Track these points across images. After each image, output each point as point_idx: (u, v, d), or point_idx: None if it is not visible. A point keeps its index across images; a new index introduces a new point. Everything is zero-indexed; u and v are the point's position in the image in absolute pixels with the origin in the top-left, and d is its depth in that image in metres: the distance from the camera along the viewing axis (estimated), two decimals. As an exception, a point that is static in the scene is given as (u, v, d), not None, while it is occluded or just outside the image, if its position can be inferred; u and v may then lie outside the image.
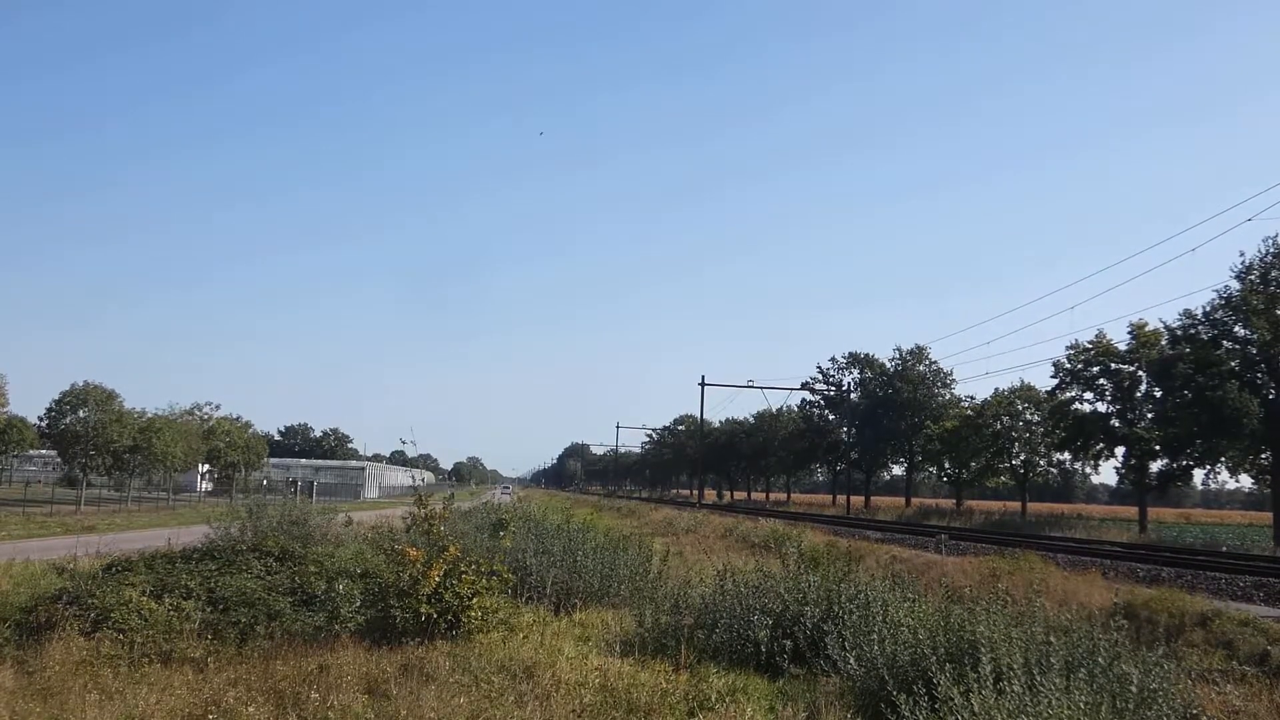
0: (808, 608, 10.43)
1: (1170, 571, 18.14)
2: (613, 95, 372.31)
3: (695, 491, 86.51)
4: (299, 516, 18.35)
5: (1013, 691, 6.47)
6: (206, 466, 67.86)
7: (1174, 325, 40.36)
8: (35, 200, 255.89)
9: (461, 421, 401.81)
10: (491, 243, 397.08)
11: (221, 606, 10.62)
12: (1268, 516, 44.83)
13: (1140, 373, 44.50)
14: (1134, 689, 6.80)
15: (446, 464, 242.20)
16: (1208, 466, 42.42)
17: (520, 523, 19.80)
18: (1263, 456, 38.93)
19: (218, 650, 9.55)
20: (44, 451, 78.25)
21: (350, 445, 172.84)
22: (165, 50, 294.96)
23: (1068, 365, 47.24)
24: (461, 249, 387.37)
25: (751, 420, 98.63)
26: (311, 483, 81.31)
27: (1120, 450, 46.28)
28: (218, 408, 67.55)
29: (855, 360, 73.96)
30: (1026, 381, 57.90)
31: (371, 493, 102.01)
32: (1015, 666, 6.88)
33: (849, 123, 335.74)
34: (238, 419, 70.79)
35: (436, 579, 10.45)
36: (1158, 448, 43.27)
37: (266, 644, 9.82)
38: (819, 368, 76.09)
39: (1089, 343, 46.39)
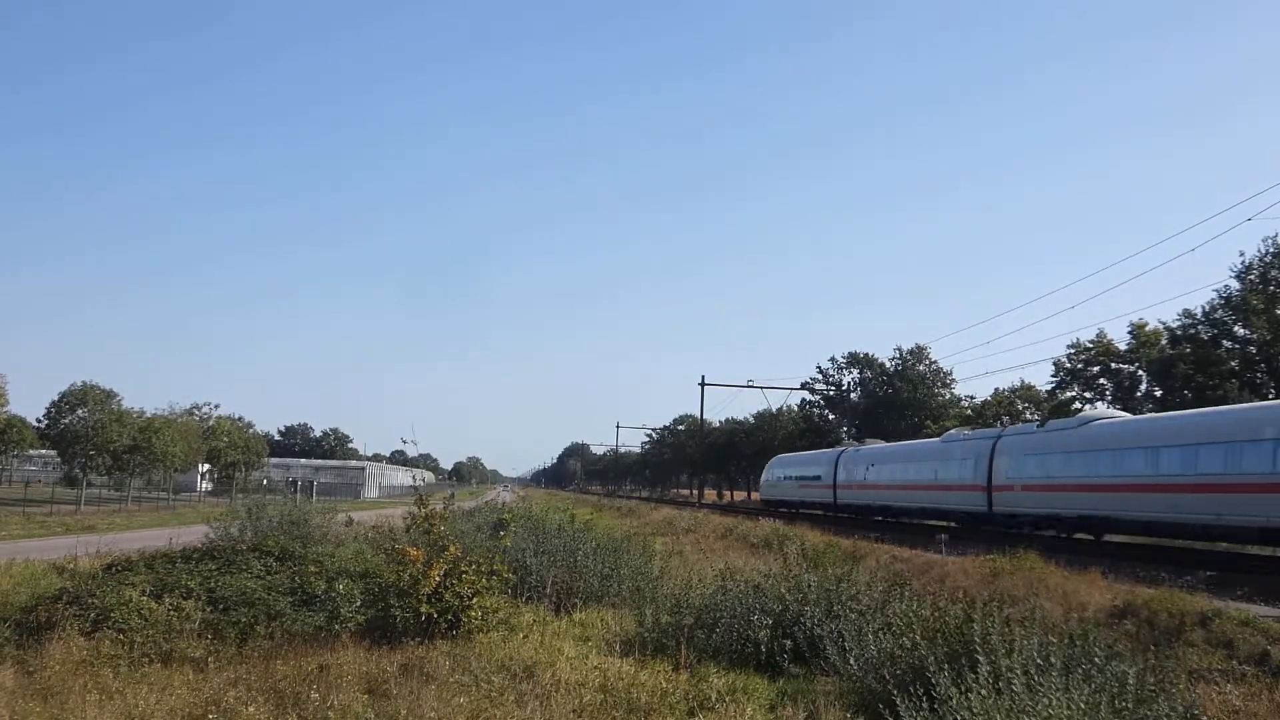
0: (808, 608, 10.44)
1: (1170, 571, 18.12)
2: (614, 96, 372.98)
3: (695, 491, 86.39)
4: (299, 516, 18.35)
5: (1011, 691, 6.47)
6: (206, 466, 67.83)
7: (1174, 325, 40.33)
8: (35, 200, 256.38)
9: (461, 421, 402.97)
10: (491, 243, 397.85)
11: (221, 606, 10.64)
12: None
13: (1140, 372, 44.49)
14: (1132, 688, 6.80)
15: (446, 464, 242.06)
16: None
17: (521, 522, 19.79)
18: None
19: (218, 650, 9.56)
20: (44, 451, 78.19)
21: (350, 445, 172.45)
22: (165, 50, 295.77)
23: (1068, 365, 47.24)
24: (462, 249, 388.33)
25: (751, 420, 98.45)
26: (311, 482, 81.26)
27: (1120, 450, 46.22)
28: (218, 408, 67.61)
29: (855, 360, 73.96)
30: (1026, 381, 57.92)
31: (371, 493, 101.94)
32: (1014, 666, 6.87)
33: (849, 123, 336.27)
34: (238, 419, 70.83)
35: (437, 579, 10.46)
36: (1158, 447, 43.21)
37: (266, 644, 9.83)
38: (819, 368, 76.14)
39: (1089, 342, 46.39)
